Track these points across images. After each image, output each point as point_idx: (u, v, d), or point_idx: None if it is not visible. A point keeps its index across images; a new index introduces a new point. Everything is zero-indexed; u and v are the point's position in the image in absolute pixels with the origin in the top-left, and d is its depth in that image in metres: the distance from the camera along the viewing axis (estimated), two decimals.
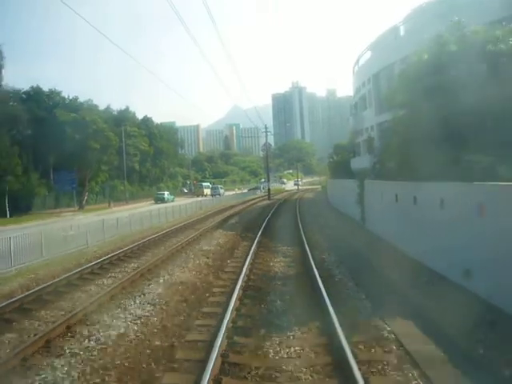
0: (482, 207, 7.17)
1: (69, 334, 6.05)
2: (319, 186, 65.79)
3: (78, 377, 4.66)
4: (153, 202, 44.70)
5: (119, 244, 14.91)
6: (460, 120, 9.37)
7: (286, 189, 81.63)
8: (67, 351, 5.44)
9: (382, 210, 14.68)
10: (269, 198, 44.42)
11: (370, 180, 17.53)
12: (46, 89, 45.98)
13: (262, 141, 77.36)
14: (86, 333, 6.10)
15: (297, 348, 5.48)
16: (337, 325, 5.76)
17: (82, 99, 47.94)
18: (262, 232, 16.24)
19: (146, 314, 6.85)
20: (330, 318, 6.13)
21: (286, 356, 5.28)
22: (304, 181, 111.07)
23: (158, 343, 5.62)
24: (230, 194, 55.53)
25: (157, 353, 5.32)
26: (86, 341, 5.77)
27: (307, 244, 12.63)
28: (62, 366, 4.98)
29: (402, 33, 26.66)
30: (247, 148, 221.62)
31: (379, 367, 4.84)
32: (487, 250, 6.96)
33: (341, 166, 32.49)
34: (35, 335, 5.97)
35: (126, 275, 9.79)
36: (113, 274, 10.22)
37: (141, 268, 10.26)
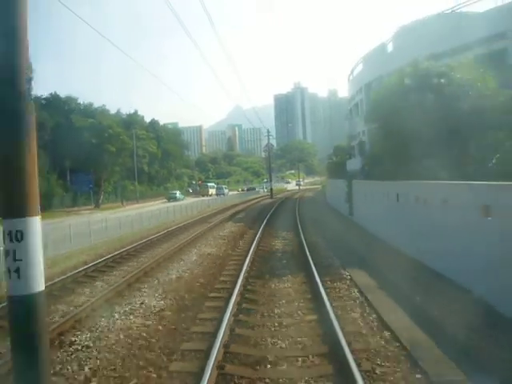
0: (418, 198, 10.59)
1: (142, 279, 9.51)
2: (320, 186, 69.20)
3: (162, 292, 8.14)
4: (164, 200, 48.36)
5: (148, 233, 18.35)
6: (413, 136, 12.76)
7: (288, 188, 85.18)
8: (146, 286, 8.91)
9: (365, 204, 18.10)
10: (271, 197, 48.02)
11: (356, 180, 20.94)
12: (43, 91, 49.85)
13: (265, 141, 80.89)
14: (150, 279, 9.55)
15: (289, 284, 8.89)
16: (315, 273, 9.16)
17: (81, 100, 51.82)
18: (266, 223, 19.67)
19: (190, 268, 10.34)
20: (312, 270, 9.54)
21: (282, 287, 8.69)
22: (306, 181, 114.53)
23: (202, 281, 9.10)
24: (234, 194, 59.13)
25: (203, 285, 8.79)
26: (155, 283, 9.21)
27: (302, 231, 16.06)
28: (150, 289, 8.48)
29: (390, 48, 30.13)
30: (249, 149, 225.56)
31: (337, 289, 8.26)
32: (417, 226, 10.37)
33: (339, 167, 35.62)
34: (126, 275, 9.44)
35: (163, 251, 13.20)
36: (153, 252, 13.67)
37: (174, 246, 13.72)
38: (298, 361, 5.21)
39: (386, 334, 5.87)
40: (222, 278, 9.32)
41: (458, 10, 26.54)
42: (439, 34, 24.40)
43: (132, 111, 67.67)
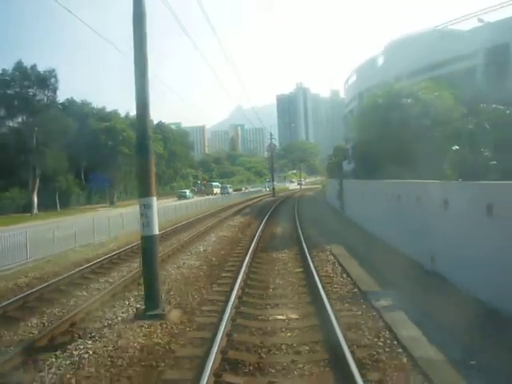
0: (386, 193, 14.08)
1: (178, 251, 13.06)
2: (320, 186, 72.63)
3: (196, 257, 11.71)
4: (175, 198, 52.01)
5: (168, 224, 21.86)
6: (384, 146, 16.22)
7: (290, 188, 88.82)
8: (182, 255, 12.46)
9: (352, 199, 21.61)
10: (273, 195, 51.72)
11: (346, 180, 24.47)
12: None
13: (267, 141, 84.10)
14: (185, 251, 13.09)
15: (285, 254, 12.40)
16: (305, 248, 12.67)
17: (79, 99, 55.26)
18: (268, 217, 23.20)
19: (212, 245, 13.93)
20: (302, 246, 13.05)
21: (280, 256, 12.20)
22: (307, 180, 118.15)
23: (223, 252, 12.69)
24: (238, 193, 62.78)
25: (224, 254, 12.37)
26: (189, 253, 12.76)
27: (298, 222, 19.58)
28: (186, 256, 12.06)
29: (380, 62, 33.67)
30: (252, 149, 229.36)
31: (319, 256, 11.76)
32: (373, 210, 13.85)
33: (337, 167, 39.03)
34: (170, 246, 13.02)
35: (187, 235, 16.70)
36: (179, 236, 17.18)
37: (196, 232, 17.29)
38: (288, 287, 8.73)
39: (344, 275, 9.39)
40: (236, 251, 12.88)
41: (450, 27, 29.84)
42: (423, 50, 27.81)
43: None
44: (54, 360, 5.32)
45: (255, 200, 47.09)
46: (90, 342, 5.92)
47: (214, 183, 73.29)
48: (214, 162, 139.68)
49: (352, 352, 5.03)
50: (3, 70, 37.92)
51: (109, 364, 5.20)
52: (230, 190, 69.31)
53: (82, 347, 5.70)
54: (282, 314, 6.98)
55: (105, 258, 12.26)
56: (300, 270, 10.26)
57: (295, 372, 4.86)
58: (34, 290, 8.81)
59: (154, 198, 7.21)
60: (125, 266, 11.48)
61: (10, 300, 8.12)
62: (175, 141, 75.59)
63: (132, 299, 8.01)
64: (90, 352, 5.52)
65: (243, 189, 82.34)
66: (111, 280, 9.89)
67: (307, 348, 5.54)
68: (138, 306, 7.53)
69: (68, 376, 4.90)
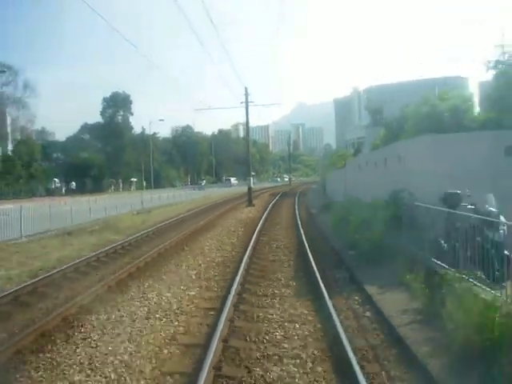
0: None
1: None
2: None
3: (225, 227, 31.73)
4: (269, 181, 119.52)
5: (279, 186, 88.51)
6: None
7: None
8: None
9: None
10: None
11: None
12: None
13: (325, 140, 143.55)
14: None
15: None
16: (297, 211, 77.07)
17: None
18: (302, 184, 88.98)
19: (294, 184, 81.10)
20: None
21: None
22: None
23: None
24: (298, 180, 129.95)
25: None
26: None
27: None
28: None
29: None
30: (312, 148, 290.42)
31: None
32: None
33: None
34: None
35: (280, 189, 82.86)
36: (277, 188, 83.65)
37: (287, 186, 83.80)
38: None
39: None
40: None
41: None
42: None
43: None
44: None
45: (306, 182, 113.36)
46: None
47: (285, 175, 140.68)
48: (280, 159, 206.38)
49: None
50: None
51: None
52: (294, 179, 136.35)
53: None
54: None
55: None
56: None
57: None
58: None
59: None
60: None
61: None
62: (262, 150, 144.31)
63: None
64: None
65: (301, 179, 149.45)
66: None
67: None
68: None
69: None
